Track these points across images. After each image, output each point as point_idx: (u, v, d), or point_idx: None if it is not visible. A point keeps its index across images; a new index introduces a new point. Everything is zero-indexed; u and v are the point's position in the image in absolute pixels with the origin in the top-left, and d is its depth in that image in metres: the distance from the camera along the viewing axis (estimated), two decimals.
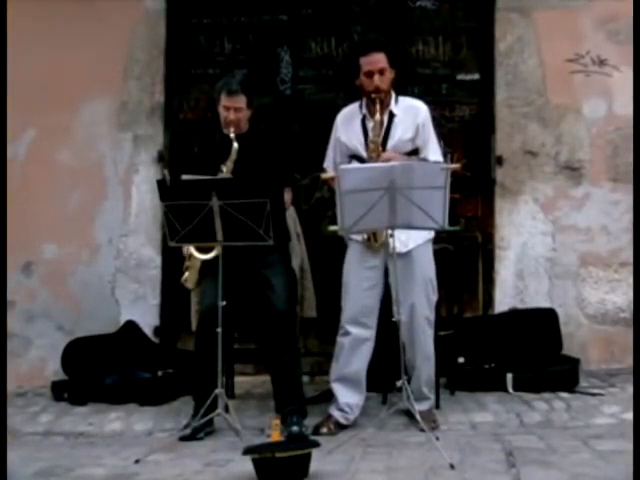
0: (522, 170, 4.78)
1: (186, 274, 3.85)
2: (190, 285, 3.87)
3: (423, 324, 3.72)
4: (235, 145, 3.70)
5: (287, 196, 3.83)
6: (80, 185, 4.81)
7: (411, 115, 3.77)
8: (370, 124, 3.73)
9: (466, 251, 4.75)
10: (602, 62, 4.76)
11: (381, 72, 3.68)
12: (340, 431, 3.68)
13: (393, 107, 3.78)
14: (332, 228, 3.50)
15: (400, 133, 3.74)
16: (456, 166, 3.61)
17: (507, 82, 4.80)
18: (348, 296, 3.76)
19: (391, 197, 3.37)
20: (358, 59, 3.73)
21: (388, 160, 3.58)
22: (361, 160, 3.73)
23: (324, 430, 3.67)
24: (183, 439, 3.59)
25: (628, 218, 4.71)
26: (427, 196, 3.39)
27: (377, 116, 3.68)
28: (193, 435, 3.59)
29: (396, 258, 3.55)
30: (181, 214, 3.50)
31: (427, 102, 3.95)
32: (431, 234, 3.78)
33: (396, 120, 3.75)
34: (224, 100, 3.76)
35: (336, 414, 3.74)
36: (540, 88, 4.78)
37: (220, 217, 3.47)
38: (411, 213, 3.41)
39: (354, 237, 3.75)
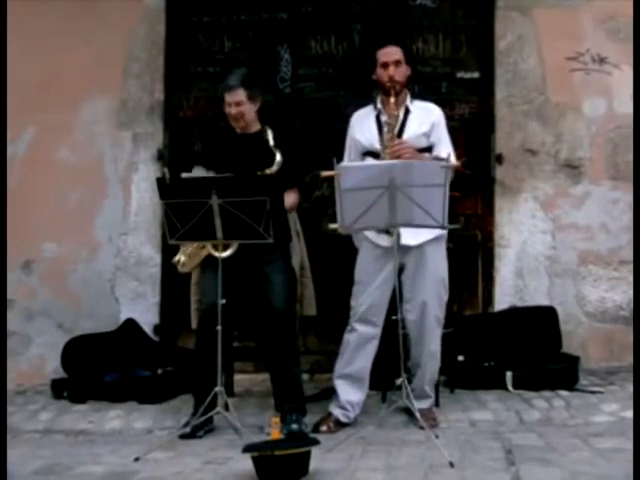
0: (522, 168, 4.78)
1: (183, 258, 3.81)
2: (186, 269, 3.84)
3: (433, 323, 3.73)
4: (278, 157, 3.72)
5: (295, 196, 3.85)
6: (80, 183, 4.80)
7: (426, 113, 3.80)
8: (384, 118, 3.74)
9: (466, 249, 4.75)
10: (602, 60, 4.76)
11: (396, 64, 3.73)
12: (340, 429, 3.68)
13: (409, 104, 3.81)
14: (332, 226, 3.49)
15: (416, 127, 3.75)
16: (456, 164, 3.61)
17: (507, 80, 4.80)
18: (358, 294, 3.76)
19: (391, 195, 3.37)
20: (375, 53, 3.77)
21: (402, 145, 3.61)
22: (376, 156, 3.73)
23: (323, 428, 3.67)
24: (183, 437, 3.59)
25: (628, 216, 4.71)
26: (427, 194, 3.39)
27: (392, 102, 3.68)
28: (193, 433, 3.60)
29: (408, 253, 3.65)
30: (181, 212, 3.50)
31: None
32: (443, 231, 3.76)
33: (411, 116, 3.78)
34: (226, 97, 3.80)
35: (336, 412, 3.74)
36: (540, 86, 4.78)
37: (220, 215, 3.47)
38: (411, 211, 3.41)
39: (368, 235, 3.74)
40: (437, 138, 3.77)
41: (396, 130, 3.71)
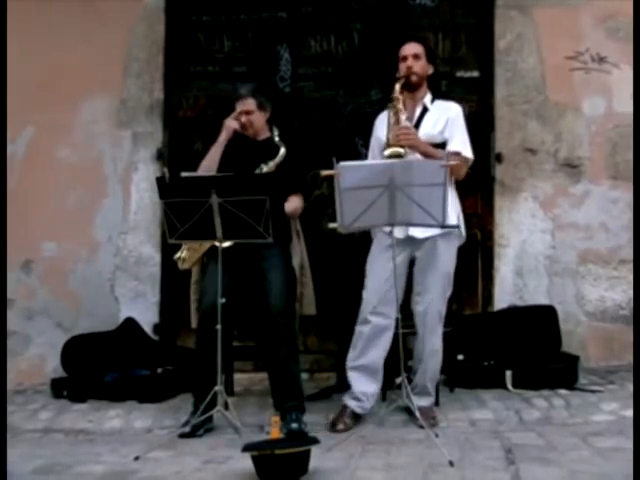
0: (521, 168, 4.79)
1: (184, 253, 3.88)
2: (186, 265, 3.90)
3: (435, 318, 3.73)
4: (282, 150, 3.86)
5: (298, 201, 3.91)
6: (79, 183, 4.80)
7: (443, 111, 3.84)
8: (403, 116, 3.78)
9: (465, 248, 4.71)
10: (602, 60, 4.76)
11: (415, 57, 3.82)
12: (356, 423, 3.66)
13: (428, 103, 3.86)
14: (331, 225, 3.49)
15: (430, 127, 3.79)
16: (454, 163, 3.61)
17: (507, 79, 4.80)
18: (369, 286, 3.78)
19: (391, 194, 3.38)
20: (399, 53, 3.87)
21: (406, 130, 3.66)
22: None
23: (340, 427, 3.63)
24: (183, 436, 3.59)
25: (627, 216, 4.71)
26: (427, 193, 3.39)
27: (397, 88, 3.73)
28: (193, 432, 3.60)
29: (420, 246, 3.70)
30: (180, 211, 3.51)
31: None
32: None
33: (428, 114, 3.83)
34: (237, 107, 3.96)
35: (351, 404, 3.73)
36: (539, 86, 4.78)
37: (219, 214, 3.48)
38: (411, 210, 3.42)
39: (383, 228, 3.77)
40: (450, 133, 3.80)
41: (413, 121, 3.78)
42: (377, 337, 3.74)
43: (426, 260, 3.74)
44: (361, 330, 3.77)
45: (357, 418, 3.71)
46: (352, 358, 3.79)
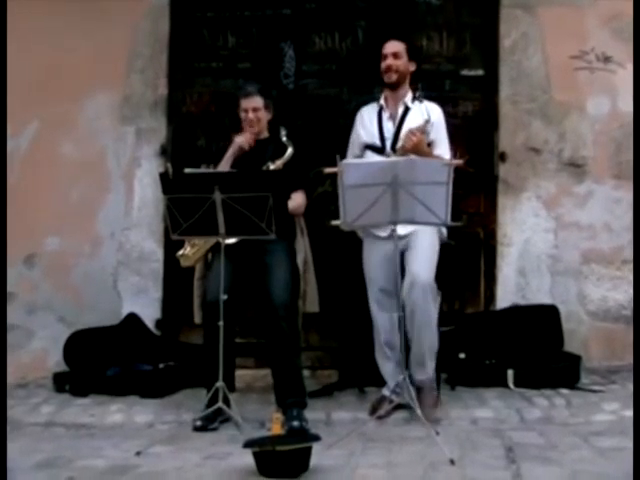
0: (525, 167, 4.78)
1: (187, 250, 3.91)
2: (188, 263, 3.93)
3: (426, 288, 3.68)
4: (290, 150, 3.91)
5: (301, 198, 3.94)
6: (83, 178, 4.81)
7: (425, 111, 3.86)
8: (386, 114, 3.87)
9: (468, 247, 4.74)
10: (606, 59, 4.75)
11: (394, 55, 3.87)
12: (396, 410, 3.70)
13: (409, 102, 3.90)
14: (334, 222, 3.50)
15: (414, 124, 3.81)
16: (459, 162, 3.61)
17: (511, 78, 4.79)
18: (370, 286, 3.85)
19: (394, 192, 3.38)
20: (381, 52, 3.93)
21: (414, 135, 3.72)
22: (376, 150, 3.85)
23: (381, 413, 3.65)
24: (197, 430, 3.59)
25: (631, 215, 4.69)
26: (430, 191, 3.40)
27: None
28: (205, 426, 3.59)
29: (403, 241, 3.70)
30: (183, 207, 3.52)
31: (430, 98, 4.02)
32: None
33: (410, 113, 3.87)
34: (242, 104, 4.00)
35: (389, 394, 3.77)
36: (544, 85, 4.77)
37: (222, 210, 3.49)
38: (414, 209, 3.42)
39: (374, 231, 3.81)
40: (436, 137, 3.84)
41: (394, 125, 3.84)
42: (389, 332, 3.82)
43: (409, 248, 3.76)
44: (374, 329, 3.86)
45: (395, 407, 3.71)
46: (377, 357, 3.90)
